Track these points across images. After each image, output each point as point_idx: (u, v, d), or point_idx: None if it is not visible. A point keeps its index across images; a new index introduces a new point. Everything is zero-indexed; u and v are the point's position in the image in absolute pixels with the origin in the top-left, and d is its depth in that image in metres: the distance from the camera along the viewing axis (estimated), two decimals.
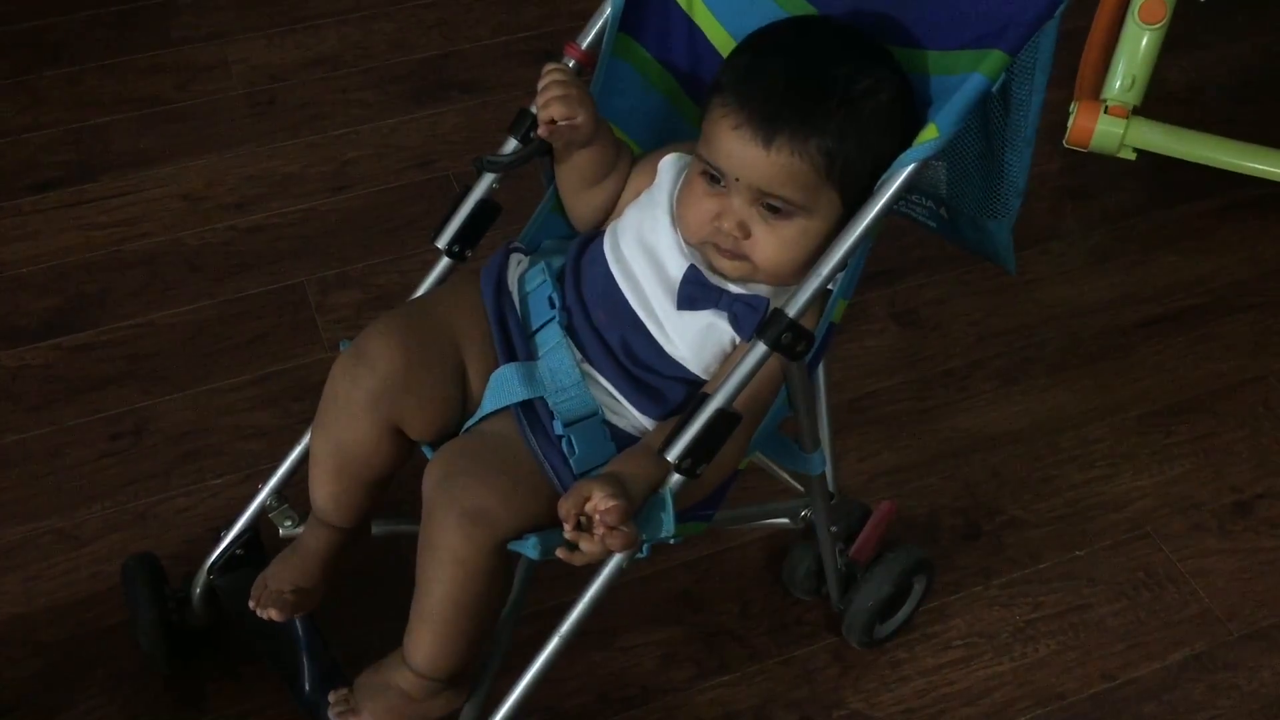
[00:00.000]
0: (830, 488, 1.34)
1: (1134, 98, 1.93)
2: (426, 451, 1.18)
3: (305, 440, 1.29)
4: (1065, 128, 1.97)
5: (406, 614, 1.16)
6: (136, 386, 1.70)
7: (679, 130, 1.27)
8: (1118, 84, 1.93)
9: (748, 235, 1.11)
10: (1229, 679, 1.46)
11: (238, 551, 1.33)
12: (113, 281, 1.84)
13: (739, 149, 1.08)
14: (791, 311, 1.05)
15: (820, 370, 1.27)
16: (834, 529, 1.33)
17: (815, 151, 1.06)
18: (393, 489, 1.25)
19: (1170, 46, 1.93)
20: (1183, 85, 2.20)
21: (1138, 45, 1.91)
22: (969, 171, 1.20)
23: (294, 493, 1.31)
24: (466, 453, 1.12)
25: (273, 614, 1.20)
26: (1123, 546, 1.58)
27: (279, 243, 1.90)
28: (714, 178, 1.11)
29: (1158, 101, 1.96)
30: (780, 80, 1.07)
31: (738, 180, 1.09)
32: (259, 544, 1.34)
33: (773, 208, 1.09)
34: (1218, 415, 1.72)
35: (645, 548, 1.13)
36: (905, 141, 1.05)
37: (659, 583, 1.52)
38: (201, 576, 1.34)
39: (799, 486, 1.41)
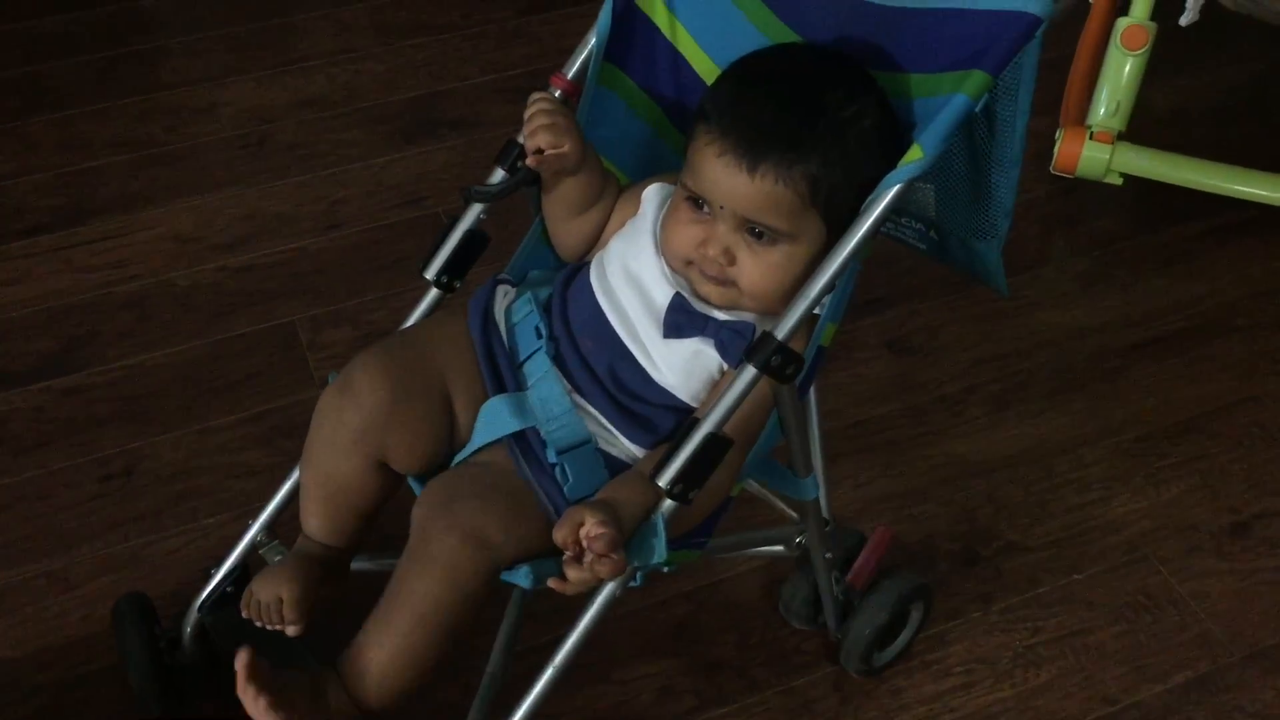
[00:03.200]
0: (825, 514, 1.33)
1: (1119, 123, 1.94)
2: (414, 485, 1.17)
3: (295, 476, 1.28)
4: (1051, 154, 1.98)
5: None
6: (127, 428, 1.70)
7: (664, 159, 1.28)
8: (1102, 110, 1.94)
9: (733, 262, 1.11)
10: (1232, 701, 1.45)
11: (228, 588, 1.31)
12: (102, 323, 1.83)
13: (724, 177, 1.08)
14: (780, 334, 1.05)
15: (811, 395, 1.27)
16: (829, 555, 1.32)
17: (799, 178, 1.07)
18: (379, 524, 1.24)
19: (1154, 72, 1.94)
20: (1167, 110, 2.21)
21: (1121, 71, 1.92)
22: (957, 193, 1.20)
23: (285, 530, 1.30)
24: (465, 478, 1.11)
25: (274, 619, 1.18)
26: (1121, 569, 1.57)
27: (270, 282, 1.90)
28: (699, 204, 1.12)
29: (1143, 127, 1.97)
30: (764, 107, 1.08)
31: (723, 208, 1.09)
32: (250, 580, 1.32)
33: (758, 234, 1.09)
34: (1212, 437, 1.72)
35: (640, 576, 1.12)
36: (890, 165, 1.05)
37: (656, 614, 1.51)
38: (192, 614, 1.33)
39: (793, 514, 1.40)
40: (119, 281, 1.90)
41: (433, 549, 1.06)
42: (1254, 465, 1.68)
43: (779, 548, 1.37)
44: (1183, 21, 1.90)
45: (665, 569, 1.17)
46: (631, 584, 1.12)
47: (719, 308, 1.13)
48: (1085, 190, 2.06)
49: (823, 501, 1.30)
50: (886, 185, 1.04)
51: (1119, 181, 1.96)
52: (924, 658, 1.48)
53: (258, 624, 1.18)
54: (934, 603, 1.47)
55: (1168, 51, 1.96)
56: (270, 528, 1.31)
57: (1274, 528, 1.62)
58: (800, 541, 1.35)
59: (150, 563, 1.55)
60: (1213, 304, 1.90)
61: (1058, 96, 2.06)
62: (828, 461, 1.34)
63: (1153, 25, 1.90)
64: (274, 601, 1.18)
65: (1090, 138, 1.94)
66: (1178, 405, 1.76)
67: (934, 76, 1.09)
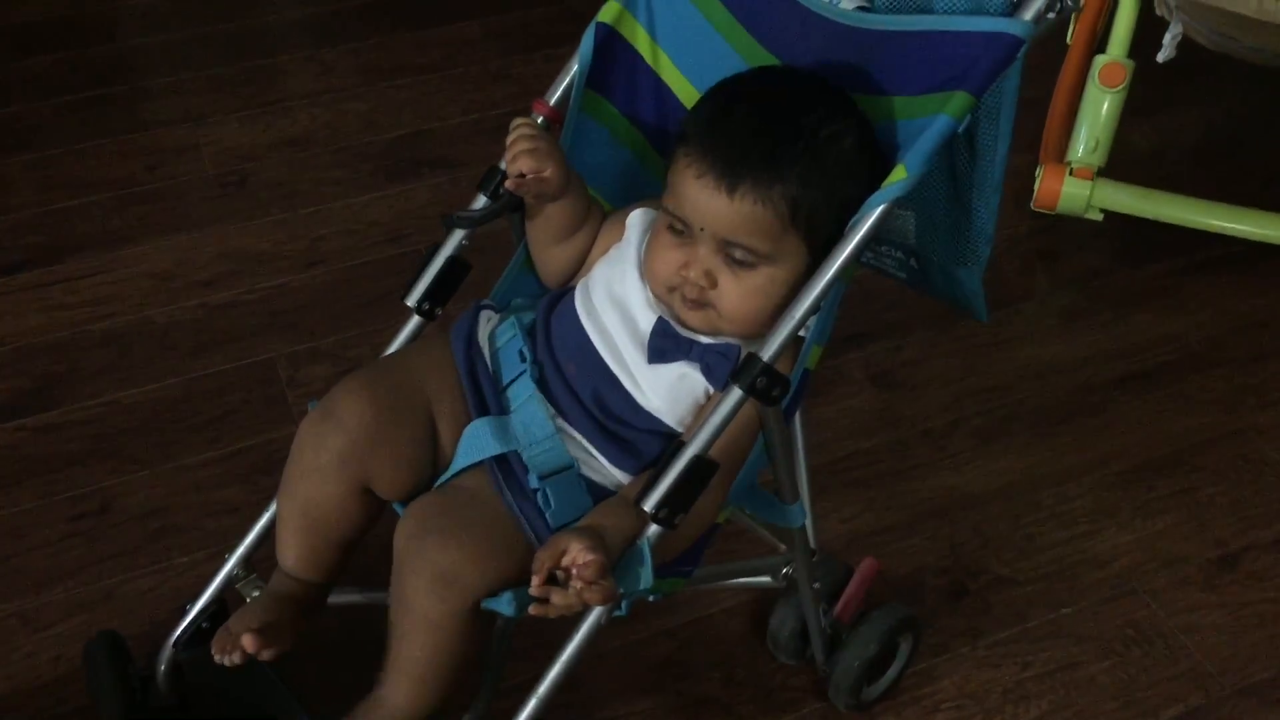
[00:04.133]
0: (811, 544, 1.31)
1: (1098, 159, 1.95)
2: (398, 509, 1.15)
3: (273, 508, 1.26)
4: (1032, 192, 1.99)
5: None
6: (102, 465, 1.67)
7: (647, 185, 1.27)
8: (1081, 147, 1.95)
9: (714, 285, 1.10)
10: None
11: (204, 624, 1.28)
12: (79, 361, 1.81)
13: (703, 198, 1.07)
14: (766, 355, 1.04)
15: (797, 421, 1.26)
16: (817, 585, 1.30)
17: (779, 199, 1.06)
18: (362, 551, 1.22)
19: (1133, 111, 1.96)
20: (1146, 149, 2.23)
21: (1099, 108, 1.94)
22: (937, 220, 1.20)
23: (265, 566, 1.27)
24: (438, 509, 1.10)
25: (235, 658, 1.14)
26: (1110, 603, 1.55)
27: (249, 319, 1.88)
28: (679, 229, 1.11)
29: (1122, 165, 1.98)
30: (743, 129, 1.08)
31: (702, 230, 1.09)
32: (226, 616, 1.29)
33: (738, 260, 1.09)
34: (1198, 470, 1.71)
35: (625, 605, 1.10)
36: (872, 187, 1.05)
37: (640, 651, 1.48)
38: (166, 652, 1.30)
39: (780, 545, 1.38)
40: (97, 319, 1.88)
41: (409, 595, 1.06)
42: (1241, 498, 1.68)
43: (766, 579, 1.35)
44: (1160, 58, 1.92)
45: (651, 597, 1.15)
46: (616, 613, 1.10)
47: (701, 332, 1.12)
48: (1066, 227, 2.07)
49: (809, 530, 1.28)
50: (870, 206, 1.03)
51: (1099, 217, 1.98)
52: (913, 693, 1.45)
53: (233, 663, 1.15)
54: (922, 636, 1.45)
55: (1146, 92, 1.98)
56: (248, 562, 1.29)
57: (1262, 561, 1.61)
58: (787, 572, 1.33)
59: (124, 602, 1.52)
60: (1196, 338, 1.90)
61: (1037, 135, 2.08)
62: (813, 495, 1.33)
63: (1130, 62, 1.92)
64: (252, 629, 1.15)
65: (1070, 174, 1.95)
66: (1163, 439, 1.75)
67: (916, 99, 1.09)
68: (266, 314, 1.89)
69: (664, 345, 1.12)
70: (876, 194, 1.03)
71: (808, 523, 1.27)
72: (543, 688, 1.08)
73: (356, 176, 2.14)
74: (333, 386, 1.16)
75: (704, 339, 1.12)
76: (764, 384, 1.04)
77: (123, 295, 1.92)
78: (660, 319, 1.13)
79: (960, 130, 1.05)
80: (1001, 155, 1.12)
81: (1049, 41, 2.26)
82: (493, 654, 1.18)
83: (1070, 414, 1.78)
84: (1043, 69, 2.16)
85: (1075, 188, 1.95)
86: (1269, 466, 1.71)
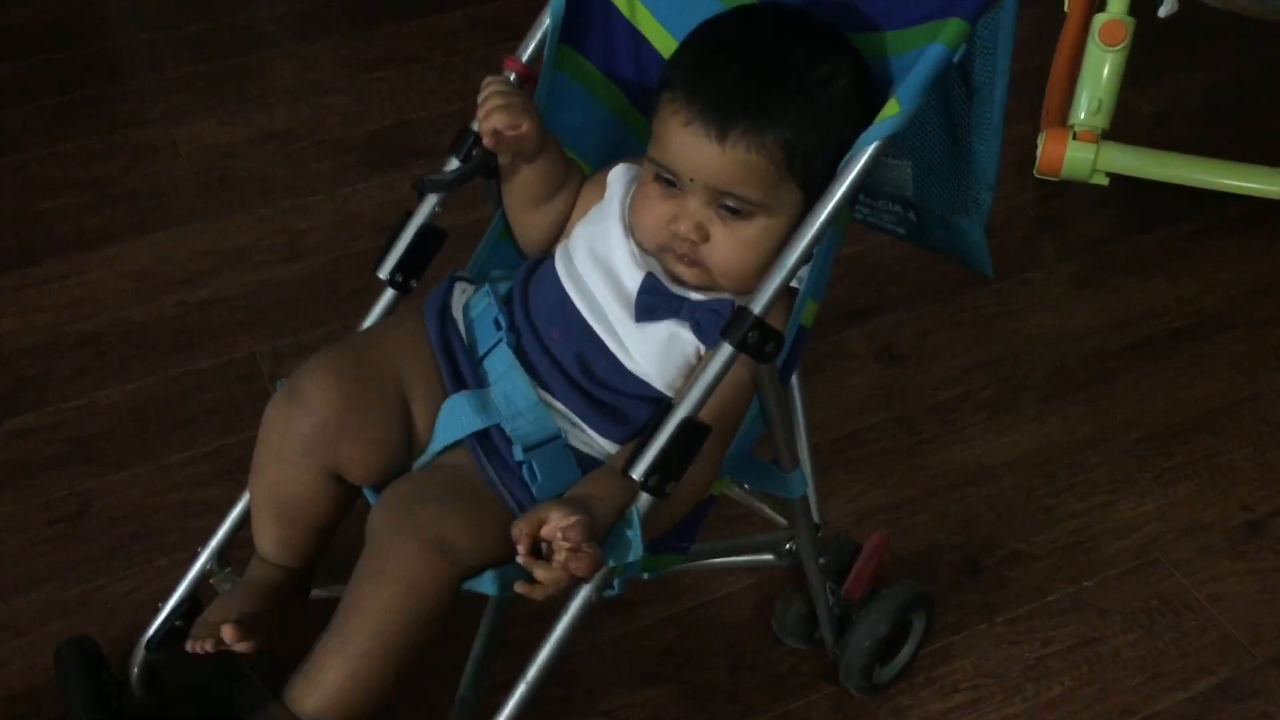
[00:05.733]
0: (815, 517, 1.25)
1: (1101, 121, 1.88)
2: (370, 495, 1.09)
3: (244, 501, 1.20)
4: (1034, 160, 1.93)
5: None
6: (78, 468, 1.61)
7: (629, 145, 1.21)
8: (1084, 109, 1.89)
9: (706, 238, 1.04)
10: (1258, 707, 1.36)
11: (177, 623, 1.22)
12: (55, 364, 1.75)
13: (692, 147, 1.01)
14: (756, 308, 0.97)
15: (795, 385, 1.19)
16: (823, 561, 1.24)
17: (773, 145, 1.00)
18: (348, 546, 1.15)
19: (1136, 76, 1.90)
20: (1150, 114, 2.16)
21: (1100, 68, 1.87)
22: (936, 167, 1.14)
23: (239, 566, 1.21)
24: (425, 482, 1.03)
25: (208, 646, 1.06)
26: (1132, 574, 1.48)
27: (231, 315, 1.82)
28: (668, 180, 1.05)
29: (1125, 132, 1.91)
30: (730, 70, 1.01)
31: (693, 180, 1.02)
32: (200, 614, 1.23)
33: (731, 209, 1.02)
34: (1218, 435, 1.64)
35: (618, 583, 1.04)
36: (866, 127, 0.98)
37: (641, 639, 1.42)
38: (139, 653, 1.23)
39: (782, 520, 1.31)
40: (73, 320, 1.82)
41: (390, 559, 0.98)
42: (1265, 462, 1.61)
43: (768, 556, 1.28)
44: (1161, 13, 1.85)
45: (646, 575, 1.09)
46: (609, 592, 1.03)
47: (693, 288, 1.06)
48: (1071, 194, 2.00)
49: (812, 501, 1.22)
50: (862, 144, 0.97)
51: (1104, 181, 1.91)
52: (928, 674, 1.39)
53: (205, 651, 1.08)
54: (936, 614, 1.39)
55: (1146, 58, 1.92)
56: (222, 556, 1.22)
57: None
58: (791, 548, 1.26)
59: (101, 607, 1.46)
60: (1209, 302, 1.83)
61: (1038, 105, 2.02)
62: (816, 474, 1.26)
63: (1131, 20, 1.86)
64: (230, 620, 1.07)
65: (1073, 138, 1.88)
66: (1180, 405, 1.68)
67: (907, 31, 1.03)
68: (248, 310, 1.83)
69: (653, 302, 1.05)
70: (868, 130, 0.97)
71: (810, 492, 1.20)
72: (532, 671, 1.01)
73: (339, 169, 2.08)
74: (300, 366, 1.09)
75: (695, 295, 1.06)
76: (756, 339, 0.97)
77: (99, 296, 1.86)
78: (649, 275, 1.06)
79: (956, 60, 0.98)
80: (1000, 95, 1.05)
81: (1047, 10, 2.20)
82: (477, 645, 1.12)
83: (1083, 383, 1.71)
84: (1043, 37, 2.11)
85: (1079, 151, 1.88)
86: None
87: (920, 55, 0.98)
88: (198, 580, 1.22)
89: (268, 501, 1.11)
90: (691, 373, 1.06)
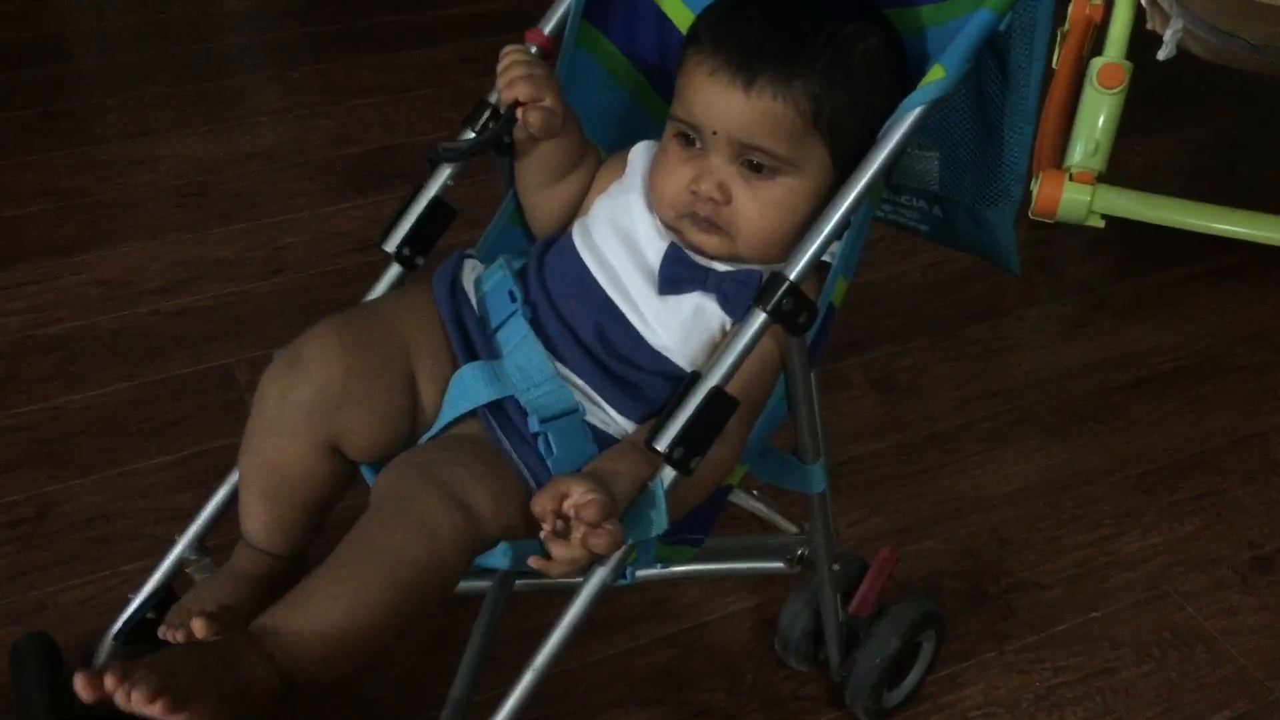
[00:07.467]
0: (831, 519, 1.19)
1: (1098, 164, 1.88)
2: (367, 475, 1.02)
3: (231, 481, 1.12)
4: (1029, 199, 1.92)
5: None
6: (41, 471, 1.52)
7: (647, 130, 1.17)
8: (1080, 151, 1.88)
9: (728, 200, 0.99)
10: None
11: (149, 615, 1.13)
12: (20, 367, 1.67)
13: (716, 96, 0.98)
14: (792, 274, 0.93)
15: (812, 379, 1.14)
16: (836, 567, 1.18)
17: (800, 95, 0.97)
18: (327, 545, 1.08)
19: (1126, 131, 1.90)
20: (1139, 166, 2.17)
21: (1098, 111, 1.88)
22: (965, 158, 1.11)
23: (220, 555, 1.13)
24: (441, 447, 0.97)
25: (179, 636, 0.97)
26: (1143, 606, 1.43)
27: (206, 325, 1.75)
28: (689, 139, 1.01)
29: (1116, 182, 1.91)
30: (759, 20, 0.99)
31: (715, 134, 0.99)
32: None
33: (755, 165, 0.99)
34: (1223, 472, 1.61)
35: (630, 573, 0.98)
36: (900, 96, 0.95)
37: (636, 659, 1.34)
38: (106, 646, 1.14)
39: (792, 528, 1.26)
40: (40, 325, 1.74)
41: (412, 505, 0.90)
42: (1271, 500, 1.57)
43: (778, 564, 1.22)
44: (1160, 56, 1.86)
45: (659, 565, 1.03)
46: (621, 580, 0.97)
47: (715, 258, 1.01)
48: (1065, 237, 2.00)
49: (828, 501, 1.16)
50: (907, 108, 0.94)
51: (1100, 224, 1.90)
52: (936, 701, 1.32)
53: (176, 640, 0.99)
54: (946, 635, 1.33)
55: (1138, 111, 1.92)
56: (201, 543, 1.14)
57: None
58: (802, 554, 1.20)
59: (61, 612, 1.37)
60: (1206, 345, 1.82)
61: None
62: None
63: (1128, 64, 1.86)
64: (209, 609, 0.98)
65: (1070, 179, 1.88)
66: (1183, 441, 1.65)
67: (944, 5, 1.01)
68: (225, 320, 1.76)
69: (677, 274, 1.01)
70: (912, 95, 0.94)
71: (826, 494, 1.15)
72: (540, 658, 0.94)
73: (323, 189, 2.03)
74: (300, 335, 1.03)
75: (720, 266, 1.01)
76: (790, 307, 0.93)
77: (69, 302, 1.78)
78: (673, 245, 1.02)
79: (1002, 28, 0.96)
80: (1035, 80, 1.03)
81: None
82: (482, 623, 1.05)
83: (1084, 417, 1.68)
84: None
85: (1076, 193, 1.87)
86: None
87: (962, 25, 0.96)
88: (173, 569, 1.14)
89: (258, 477, 1.03)
90: (714, 348, 1.01)
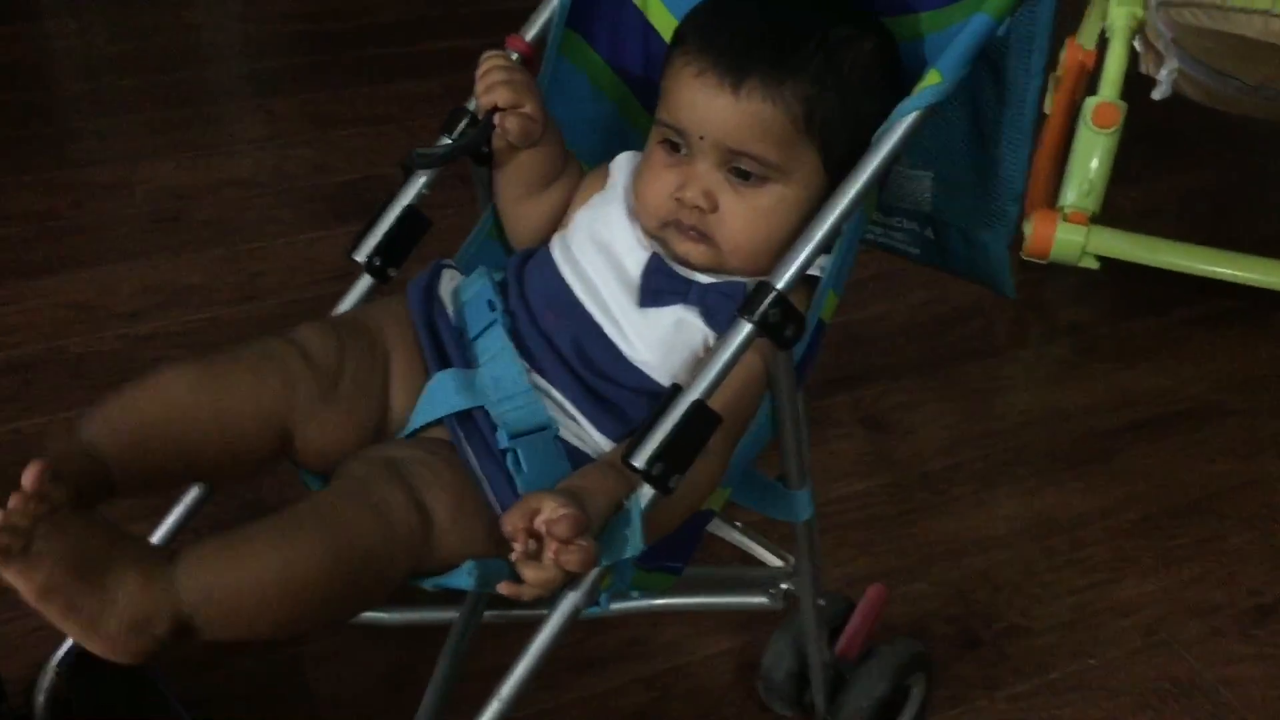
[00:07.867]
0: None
1: (1092, 204, 1.85)
2: (312, 482, 0.96)
3: (196, 491, 1.04)
4: (1021, 239, 1.88)
5: None
6: None
7: (629, 143, 1.13)
8: (1073, 191, 1.85)
9: (715, 208, 0.95)
10: None
11: None
12: None
13: (703, 98, 0.94)
14: (780, 283, 0.88)
15: (800, 397, 1.09)
16: (823, 602, 1.12)
17: (791, 98, 0.93)
18: None
19: (1119, 178, 1.87)
20: (1131, 211, 2.14)
21: (1092, 151, 1.85)
22: (958, 178, 1.07)
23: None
24: (409, 446, 0.92)
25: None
26: (1140, 654, 1.38)
27: (176, 350, 1.70)
28: (675, 145, 0.97)
29: (1108, 226, 1.88)
30: (749, 21, 0.95)
31: (702, 139, 0.94)
32: None
33: (743, 173, 0.94)
34: (1221, 517, 1.56)
35: (604, 599, 0.92)
36: (894, 102, 0.91)
37: (610, 701, 1.28)
38: (47, 676, 1.08)
39: (777, 561, 1.20)
40: (6, 347, 1.68)
41: (374, 494, 0.85)
42: (1271, 547, 1.52)
43: (761, 599, 1.16)
44: (1155, 95, 1.84)
45: (635, 594, 0.98)
46: (594, 609, 0.91)
47: (700, 269, 0.97)
48: (1058, 279, 1.96)
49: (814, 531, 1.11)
50: (901, 113, 0.90)
51: (1095, 265, 1.87)
52: None
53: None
54: (936, 679, 1.27)
55: (1131, 157, 1.90)
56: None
57: None
58: (787, 589, 1.15)
59: (6, 644, 1.30)
60: (1202, 389, 1.77)
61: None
62: None
63: (1123, 104, 1.84)
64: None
65: (1063, 220, 1.84)
66: (1181, 486, 1.60)
67: (945, 10, 0.98)
68: (193, 346, 1.71)
69: (658, 284, 0.96)
70: (908, 100, 0.90)
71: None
72: (506, 688, 0.88)
73: (302, 217, 1.99)
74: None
75: (703, 278, 0.97)
76: (777, 318, 0.88)
77: (33, 324, 1.73)
78: (654, 255, 0.97)
79: (1000, 33, 0.92)
80: (1032, 97, 0.99)
81: None
82: (446, 656, 0.99)
83: (1078, 460, 1.63)
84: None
85: (1069, 233, 1.84)
86: None
87: (960, 29, 0.92)
88: None
89: (166, 405, 0.88)
90: (697, 365, 0.96)
